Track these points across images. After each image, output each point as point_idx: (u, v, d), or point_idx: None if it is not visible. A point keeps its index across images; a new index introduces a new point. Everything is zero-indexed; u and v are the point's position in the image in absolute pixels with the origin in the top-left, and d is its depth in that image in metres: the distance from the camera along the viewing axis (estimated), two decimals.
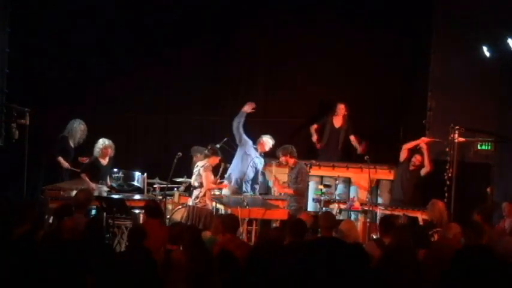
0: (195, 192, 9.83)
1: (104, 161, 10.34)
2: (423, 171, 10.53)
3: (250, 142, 10.63)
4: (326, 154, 11.59)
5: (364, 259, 5.83)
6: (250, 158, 10.48)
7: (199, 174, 9.84)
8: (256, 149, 10.61)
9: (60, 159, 10.55)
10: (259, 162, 10.62)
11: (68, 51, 11.42)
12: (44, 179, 10.83)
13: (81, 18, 11.39)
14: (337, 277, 5.24)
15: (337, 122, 11.72)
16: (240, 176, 10.50)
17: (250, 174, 10.53)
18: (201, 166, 9.84)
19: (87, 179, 10.05)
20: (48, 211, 9.69)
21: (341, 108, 11.64)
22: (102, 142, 10.30)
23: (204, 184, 9.68)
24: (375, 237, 8.63)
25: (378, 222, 8.12)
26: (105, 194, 9.82)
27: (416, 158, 10.54)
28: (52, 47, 11.29)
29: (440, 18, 10.89)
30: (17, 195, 9.91)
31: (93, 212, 9.31)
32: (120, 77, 11.65)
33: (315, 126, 11.78)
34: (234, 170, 10.54)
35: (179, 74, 11.97)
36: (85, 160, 10.56)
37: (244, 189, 10.47)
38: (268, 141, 10.60)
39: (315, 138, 11.73)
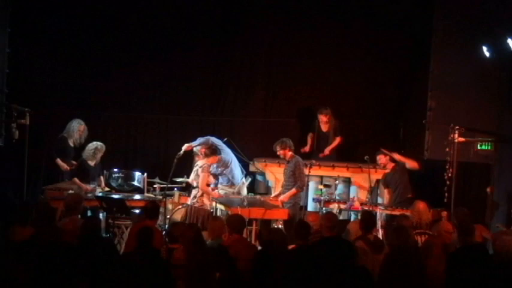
0: (194, 192, 9.81)
1: (92, 163, 10.33)
2: (409, 166, 10.42)
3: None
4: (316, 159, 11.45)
5: None
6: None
7: (197, 174, 9.83)
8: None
9: (58, 161, 10.51)
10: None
11: (68, 51, 11.42)
12: (44, 179, 10.84)
13: (81, 18, 11.39)
14: (340, 276, 5.24)
15: (324, 127, 11.67)
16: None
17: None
18: (200, 166, 9.82)
19: (79, 182, 10.06)
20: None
21: (321, 117, 11.55)
22: (95, 146, 10.30)
23: (199, 185, 9.65)
24: None
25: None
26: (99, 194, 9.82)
27: (379, 157, 10.51)
28: (52, 47, 11.29)
29: (440, 18, 10.88)
30: (17, 195, 9.90)
31: (89, 213, 9.36)
32: (120, 77, 11.66)
33: (311, 134, 11.72)
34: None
35: (179, 74, 11.96)
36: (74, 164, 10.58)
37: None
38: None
39: (307, 148, 11.61)
